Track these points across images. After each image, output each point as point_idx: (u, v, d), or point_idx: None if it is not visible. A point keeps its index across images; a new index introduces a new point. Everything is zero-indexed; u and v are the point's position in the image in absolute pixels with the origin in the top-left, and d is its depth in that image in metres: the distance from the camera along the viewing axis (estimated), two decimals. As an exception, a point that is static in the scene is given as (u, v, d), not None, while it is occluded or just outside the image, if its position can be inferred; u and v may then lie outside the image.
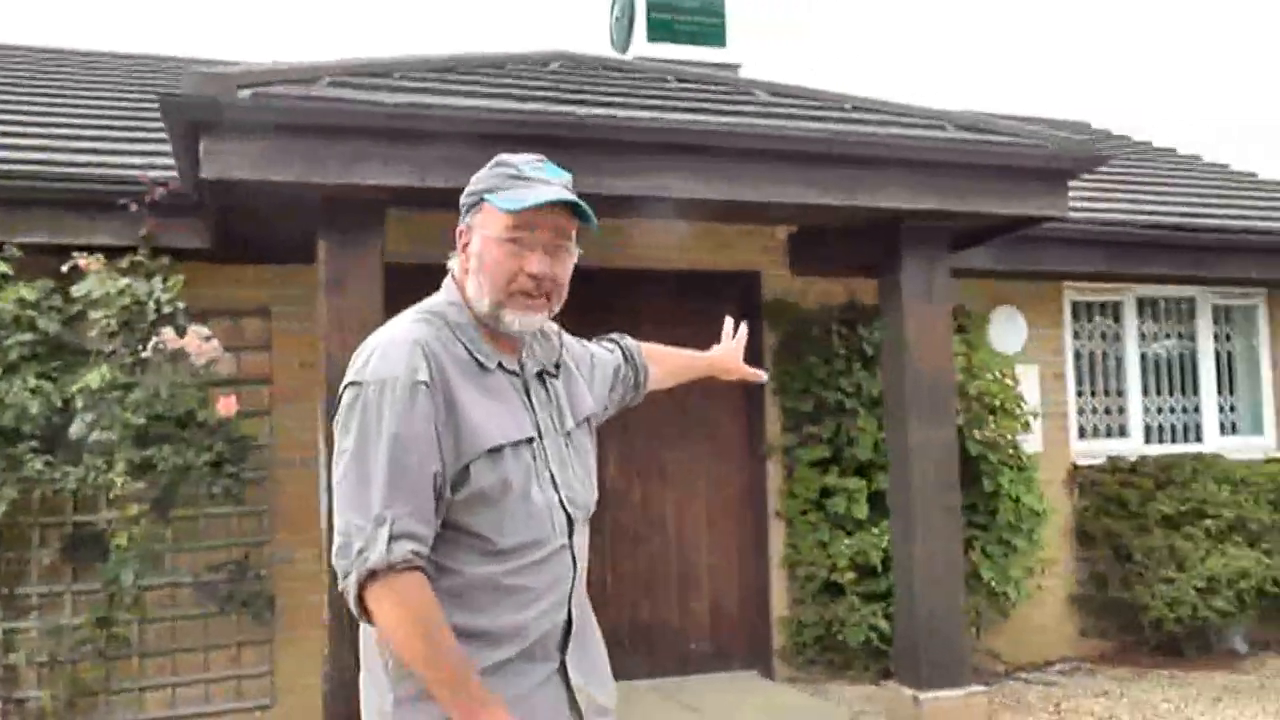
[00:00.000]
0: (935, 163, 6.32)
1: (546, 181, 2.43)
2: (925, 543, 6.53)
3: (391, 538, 2.18)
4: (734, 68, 8.96)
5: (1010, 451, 7.87)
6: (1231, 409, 9.99)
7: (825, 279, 8.07)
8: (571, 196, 2.43)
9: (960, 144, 6.44)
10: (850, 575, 7.43)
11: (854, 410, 7.61)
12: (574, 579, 2.44)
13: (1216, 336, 9.95)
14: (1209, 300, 9.82)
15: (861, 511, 7.51)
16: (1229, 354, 10.03)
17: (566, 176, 2.50)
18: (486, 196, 2.42)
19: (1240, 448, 9.71)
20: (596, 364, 2.88)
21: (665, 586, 7.94)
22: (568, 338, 2.75)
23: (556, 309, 2.51)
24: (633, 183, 5.80)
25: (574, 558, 2.44)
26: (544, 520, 2.37)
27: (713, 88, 6.94)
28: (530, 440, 2.40)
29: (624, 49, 10.14)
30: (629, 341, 3.09)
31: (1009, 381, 7.99)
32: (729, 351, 3.36)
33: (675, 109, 6.14)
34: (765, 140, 5.93)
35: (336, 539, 2.25)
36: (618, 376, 2.97)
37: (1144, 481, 8.56)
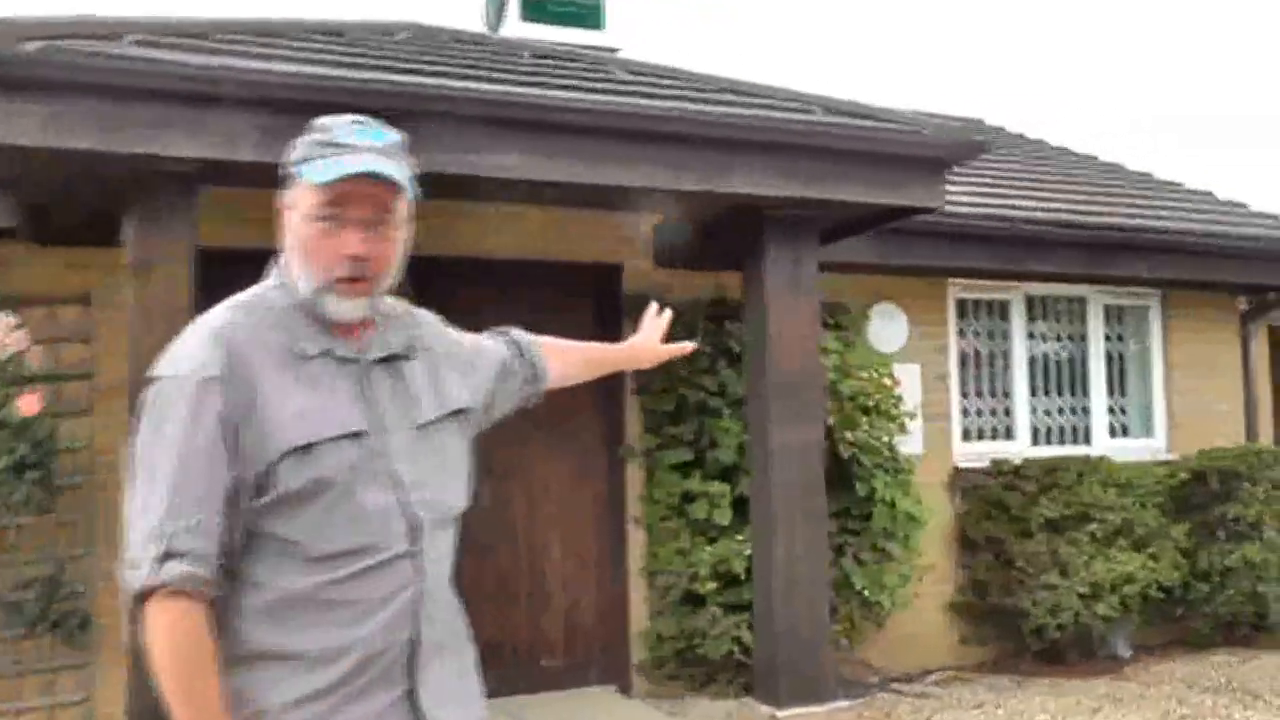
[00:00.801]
0: (799, 147, 5.94)
1: (358, 148, 2.13)
2: (787, 549, 6.15)
3: (166, 555, 1.96)
4: (611, 51, 8.53)
5: (886, 454, 7.50)
6: (1123, 411, 9.75)
7: (693, 273, 7.64)
8: (379, 166, 2.13)
9: (827, 128, 6.06)
10: (712, 585, 7.00)
11: (717, 410, 7.19)
12: (421, 591, 2.14)
13: (1109, 337, 9.71)
14: (1101, 300, 9.56)
15: (724, 517, 7.09)
16: (1121, 355, 9.79)
17: (390, 138, 2.20)
18: (297, 168, 2.17)
19: (1130, 450, 9.48)
20: (477, 355, 2.57)
21: (515, 598, 7.48)
22: (430, 320, 2.46)
23: (386, 289, 2.24)
24: (468, 160, 5.35)
25: (421, 567, 2.14)
26: (376, 524, 2.09)
27: (569, 64, 6.50)
28: (358, 435, 2.11)
29: (495, 28, 9.73)
30: (521, 334, 2.78)
31: (886, 381, 7.63)
32: (649, 337, 3.07)
33: (520, 83, 5.69)
34: (611, 118, 5.51)
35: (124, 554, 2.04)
36: (505, 370, 2.64)
37: (1027, 485, 8.25)
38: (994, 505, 8.37)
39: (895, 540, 7.57)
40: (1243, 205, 10.86)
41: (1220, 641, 9.15)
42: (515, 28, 9.25)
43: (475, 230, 6.82)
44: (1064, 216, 8.65)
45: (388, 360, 2.24)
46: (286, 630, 2.04)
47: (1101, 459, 8.52)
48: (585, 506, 7.68)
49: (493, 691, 6.90)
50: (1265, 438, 10.04)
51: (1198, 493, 9.02)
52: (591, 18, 9.84)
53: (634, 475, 7.61)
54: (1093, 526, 8.18)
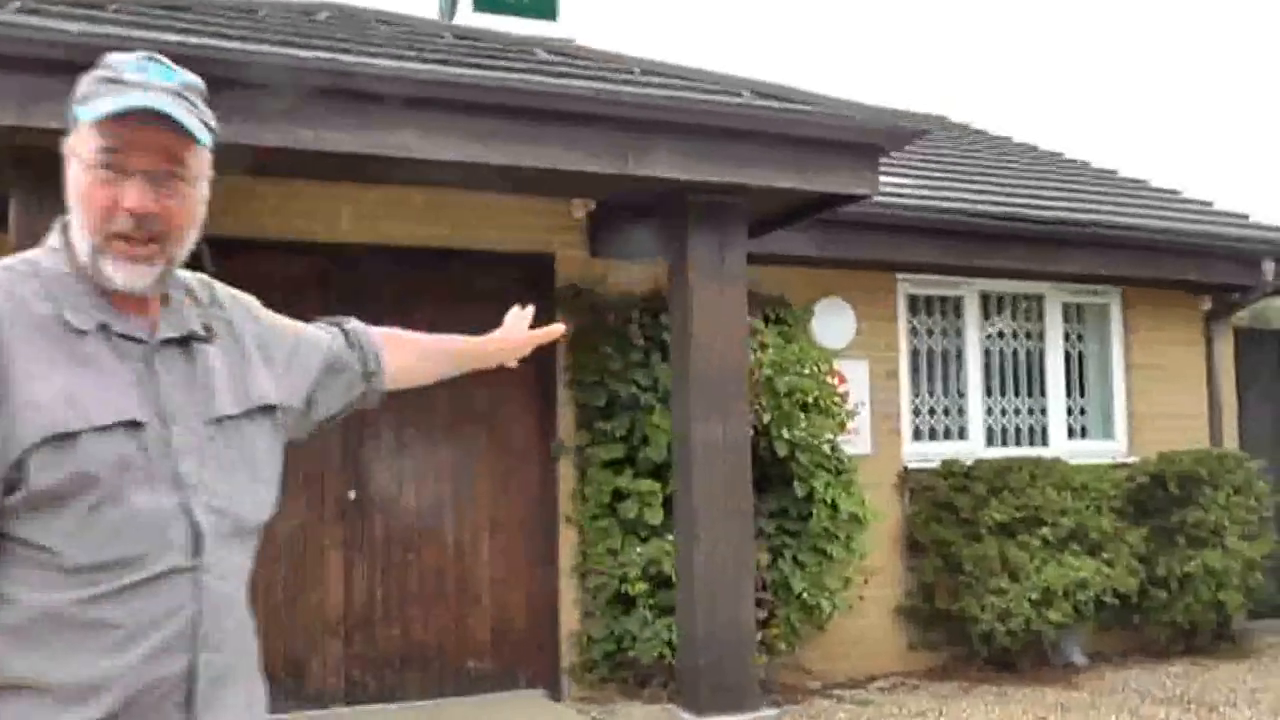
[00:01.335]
0: (723, 130, 5.70)
1: (146, 86, 1.80)
2: (709, 551, 5.90)
3: None
4: (564, 41, 8.29)
5: (827, 452, 7.25)
6: (1082, 412, 9.49)
7: (631, 263, 7.38)
8: (166, 106, 1.79)
9: (752, 110, 5.80)
10: (642, 586, 6.75)
11: (650, 406, 6.94)
12: (201, 612, 1.77)
13: (1068, 336, 9.46)
14: (1059, 297, 9.31)
15: (656, 517, 6.84)
16: (1081, 355, 9.54)
17: (184, 79, 1.87)
18: (76, 108, 1.83)
19: (1089, 452, 9.23)
20: (299, 345, 2.17)
21: (442, 600, 7.22)
22: (243, 302, 2.10)
23: (179, 258, 1.88)
24: (365, 139, 5.09)
25: (203, 584, 1.78)
26: (148, 532, 1.73)
27: (488, 44, 6.25)
28: (134, 425, 1.75)
29: (450, 17, 9.55)
30: (355, 325, 2.35)
31: (828, 378, 7.37)
32: (515, 325, 2.65)
33: (426, 60, 5.43)
34: (517, 95, 5.25)
35: None
36: (332, 365, 2.23)
37: (977, 487, 7.99)
38: (943, 507, 8.11)
39: (837, 542, 7.31)
40: (1208, 204, 10.62)
41: (1182, 650, 8.90)
42: (468, 18, 9.05)
43: (388, 216, 6.57)
44: (1016, 210, 8.41)
45: (181, 342, 1.90)
46: (39, 656, 1.70)
47: (1055, 461, 8.26)
48: (516, 505, 7.42)
49: (417, 694, 6.75)
50: (1230, 441, 9.78)
51: (1156, 497, 8.78)
52: (545, 8, 9.64)
53: (567, 472, 7.36)
54: (1045, 530, 7.92)
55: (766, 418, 6.85)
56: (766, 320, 7.66)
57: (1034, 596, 7.74)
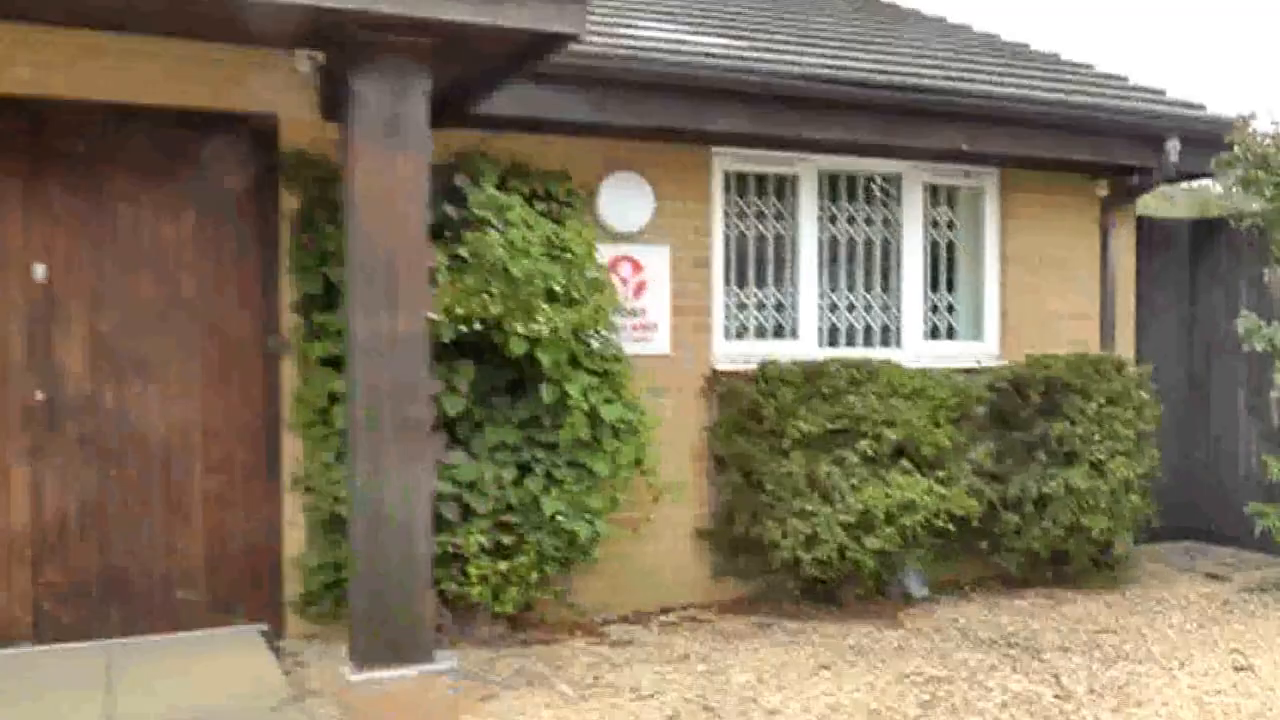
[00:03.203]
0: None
1: None
2: (373, 469, 4.87)
3: None
4: None
5: (581, 350, 6.16)
6: (950, 310, 8.36)
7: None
8: None
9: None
10: (353, 507, 5.72)
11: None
12: None
13: (936, 224, 8.30)
14: (919, 177, 8.12)
15: (367, 424, 5.79)
16: (951, 245, 8.38)
17: None
18: None
19: (950, 355, 8.14)
20: None
21: (148, 519, 6.21)
22: None
23: None
24: None
25: None
26: None
27: None
28: None
29: None
30: None
31: (590, 264, 6.23)
32: None
33: None
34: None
35: None
36: None
37: (784, 392, 6.89)
38: (749, 416, 7.03)
39: (600, 457, 6.26)
40: (1123, 78, 9.35)
41: (1047, 580, 7.88)
42: None
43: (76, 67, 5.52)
44: (857, 74, 7.18)
45: None
46: None
47: (884, 363, 7.14)
48: (235, 409, 6.38)
49: (119, 630, 5.73)
50: (1124, 348, 8.65)
51: (1018, 406, 7.68)
52: None
53: (289, 372, 6.31)
54: (864, 444, 6.85)
55: (496, 309, 5.76)
56: (535, 198, 6.55)
57: (848, 520, 6.70)
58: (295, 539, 6.29)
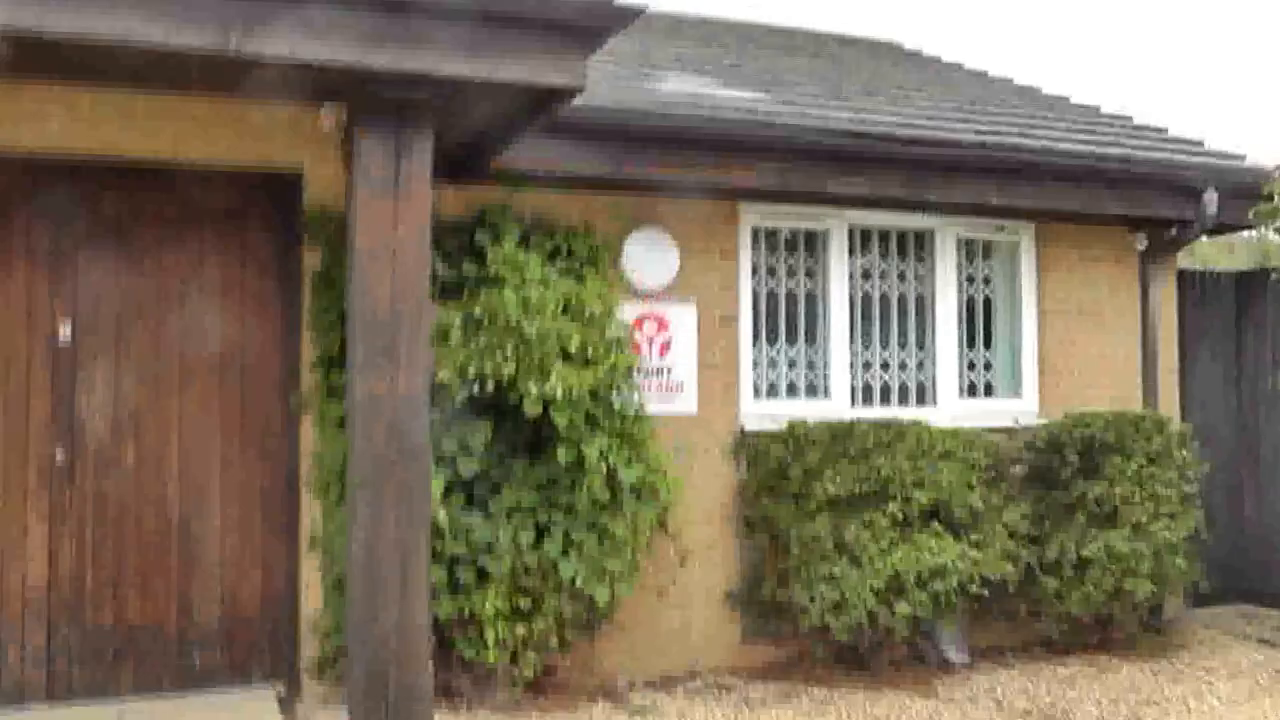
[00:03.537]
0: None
1: None
2: (368, 532, 4.76)
3: None
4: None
5: (600, 411, 6.05)
6: (987, 367, 8.17)
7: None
8: None
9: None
10: (359, 569, 5.63)
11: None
12: None
13: (972, 279, 8.13)
14: (952, 232, 7.97)
15: (376, 486, 5.71)
16: (987, 300, 8.21)
17: None
18: None
19: (987, 412, 7.93)
20: None
21: (164, 577, 6.16)
22: None
23: None
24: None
25: None
26: None
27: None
28: None
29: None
30: None
31: (609, 323, 6.13)
32: None
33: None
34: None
35: None
36: None
37: (811, 453, 6.73)
38: (777, 477, 6.88)
39: (619, 519, 6.12)
40: (1161, 130, 9.19)
41: (1093, 645, 7.60)
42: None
43: (80, 124, 5.59)
44: (879, 129, 7.07)
45: None
46: None
47: (913, 424, 6.95)
48: (255, 469, 6.34)
49: (133, 690, 5.67)
50: (1167, 404, 8.40)
51: (1056, 465, 7.46)
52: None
53: (308, 432, 6.26)
54: (893, 507, 6.66)
55: (510, 369, 5.68)
56: (555, 255, 6.49)
57: (878, 585, 6.51)
58: (312, 600, 6.21)
